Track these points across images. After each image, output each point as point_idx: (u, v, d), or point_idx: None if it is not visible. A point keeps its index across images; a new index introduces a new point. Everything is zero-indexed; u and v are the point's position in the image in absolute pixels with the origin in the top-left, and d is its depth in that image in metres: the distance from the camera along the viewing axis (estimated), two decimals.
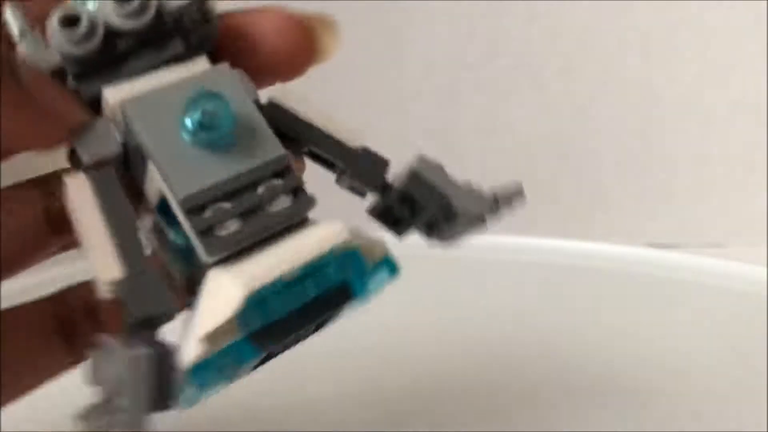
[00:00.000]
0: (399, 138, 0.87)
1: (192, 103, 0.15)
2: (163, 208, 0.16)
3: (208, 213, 0.15)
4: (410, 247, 0.67)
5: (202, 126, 0.15)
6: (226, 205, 0.16)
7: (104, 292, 0.15)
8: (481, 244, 0.66)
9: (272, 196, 0.16)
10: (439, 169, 0.19)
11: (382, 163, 0.19)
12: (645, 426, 0.28)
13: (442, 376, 0.33)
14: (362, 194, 0.19)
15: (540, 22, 0.83)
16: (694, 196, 0.83)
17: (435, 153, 0.80)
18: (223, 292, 0.15)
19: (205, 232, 0.15)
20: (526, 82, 0.83)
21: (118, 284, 0.15)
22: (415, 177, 0.19)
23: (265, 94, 0.18)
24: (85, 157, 0.16)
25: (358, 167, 0.18)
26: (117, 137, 0.16)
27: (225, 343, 0.15)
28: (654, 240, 0.82)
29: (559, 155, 0.83)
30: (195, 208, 0.15)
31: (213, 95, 0.16)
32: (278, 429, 0.28)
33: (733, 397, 0.31)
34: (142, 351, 0.14)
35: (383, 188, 0.19)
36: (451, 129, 0.84)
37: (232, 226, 0.16)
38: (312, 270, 0.16)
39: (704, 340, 0.40)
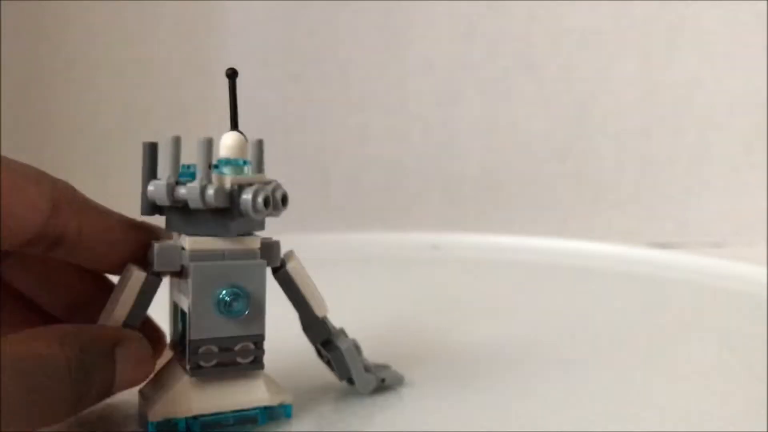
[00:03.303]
0: (399, 138, 0.87)
1: (228, 291, 0.26)
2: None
3: (201, 350, 0.26)
4: (415, 249, 0.66)
5: (225, 305, 0.26)
6: (215, 349, 0.27)
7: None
8: (483, 244, 0.66)
9: (244, 353, 0.27)
10: (356, 349, 0.30)
11: (326, 331, 0.29)
12: (640, 425, 0.28)
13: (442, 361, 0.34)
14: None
15: (540, 22, 0.83)
16: (693, 195, 0.83)
17: (435, 153, 0.81)
18: (180, 400, 0.26)
19: (194, 360, 0.26)
20: (526, 82, 0.83)
21: None
22: (338, 354, 0.30)
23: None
24: (156, 267, 0.26)
25: (312, 329, 0.29)
26: (180, 262, 0.26)
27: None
28: (654, 240, 0.83)
29: (558, 155, 0.84)
30: (197, 344, 0.26)
31: (240, 293, 0.26)
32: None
33: (732, 396, 0.31)
34: None
35: (322, 345, 0.30)
36: (451, 129, 0.84)
37: (213, 361, 0.27)
38: (240, 413, 0.27)
39: (704, 339, 0.40)
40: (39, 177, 0.25)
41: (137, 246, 0.27)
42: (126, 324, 0.26)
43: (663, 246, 0.77)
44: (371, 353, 0.32)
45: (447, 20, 0.83)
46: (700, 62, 0.82)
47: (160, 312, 0.29)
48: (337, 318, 0.31)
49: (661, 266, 0.60)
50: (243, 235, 0.27)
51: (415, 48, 0.83)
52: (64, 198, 0.25)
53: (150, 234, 0.27)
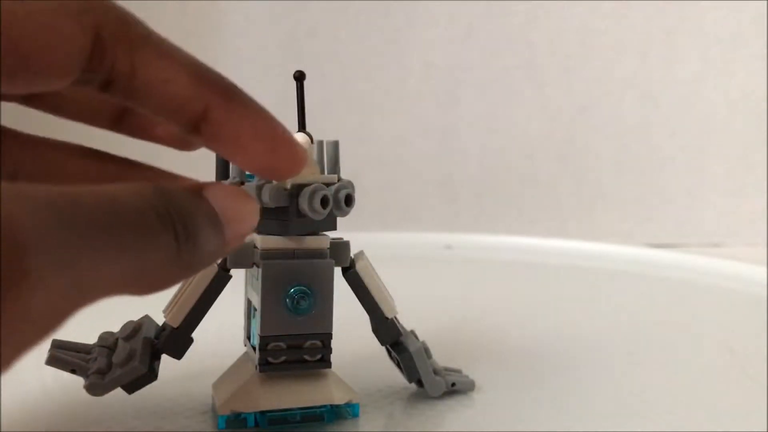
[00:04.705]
0: (399, 138, 0.87)
1: (297, 290, 0.26)
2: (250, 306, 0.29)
3: (270, 346, 0.27)
4: (424, 249, 0.66)
5: (293, 302, 0.26)
6: (283, 345, 0.27)
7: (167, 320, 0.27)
8: (483, 243, 0.66)
9: (312, 351, 0.27)
10: (426, 351, 0.30)
11: (396, 332, 0.29)
12: (639, 424, 0.28)
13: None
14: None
15: (539, 23, 0.83)
16: (693, 196, 0.83)
17: (435, 153, 0.80)
18: (248, 395, 0.27)
19: (263, 355, 0.27)
20: (526, 83, 0.83)
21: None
22: (407, 357, 0.29)
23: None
24: (228, 264, 0.27)
25: (381, 330, 0.29)
26: (252, 259, 0.27)
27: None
28: (653, 240, 0.83)
29: (558, 156, 0.84)
30: (266, 340, 0.27)
31: (308, 292, 0.26)
32: None
33: (732, 396, 0.31)
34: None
35: (392, 347, 0.30)
36: (451, 129, 0.84)
37: (281, 358, 0.27)
38: (307, 410, 0.28)
39: (703, 339, 0.40)
40: (82, 6, 0.20)
41: (205, 105, 0.21)
42: (189, 317, 0.27)
43: (663, 246, 0.77)
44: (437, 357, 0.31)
45: (447, 20, 0.83)
46: (699, 62, 0.82)
47: (235, 308, 0.30)
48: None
49: (660, 266, 0.60)
50: (311, 234, 0.27)
51: (415, 48, 0.83)
52: (113, 32, 0.20)
53: (223, 92, 0.22)
